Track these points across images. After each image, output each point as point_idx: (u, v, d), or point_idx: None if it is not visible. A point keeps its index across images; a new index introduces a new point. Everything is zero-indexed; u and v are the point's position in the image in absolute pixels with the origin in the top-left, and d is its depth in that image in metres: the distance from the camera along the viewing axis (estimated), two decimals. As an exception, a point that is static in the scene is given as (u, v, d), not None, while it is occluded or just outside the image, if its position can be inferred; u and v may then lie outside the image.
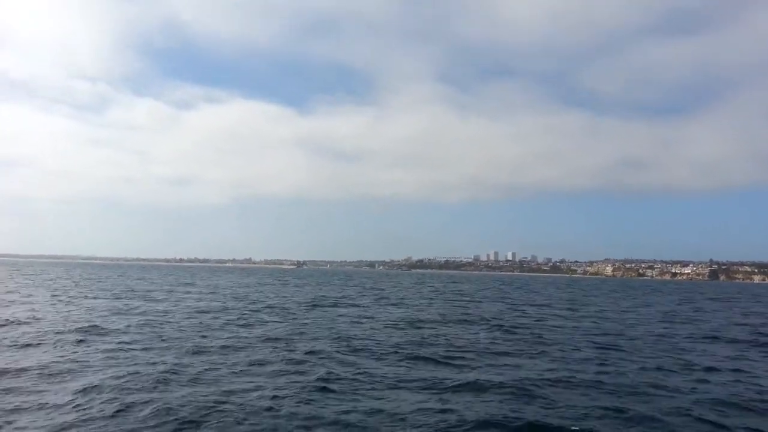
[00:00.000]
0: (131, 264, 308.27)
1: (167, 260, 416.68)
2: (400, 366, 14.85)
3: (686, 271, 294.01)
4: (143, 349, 16.33)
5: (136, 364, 14.17)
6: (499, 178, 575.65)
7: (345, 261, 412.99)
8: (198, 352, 16.20)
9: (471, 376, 13.56)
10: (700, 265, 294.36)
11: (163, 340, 18.33)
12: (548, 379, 13.24)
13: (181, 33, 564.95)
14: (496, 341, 19.94)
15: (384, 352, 17.03)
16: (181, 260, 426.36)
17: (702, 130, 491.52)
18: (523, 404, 11.11)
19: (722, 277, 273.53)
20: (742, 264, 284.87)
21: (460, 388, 12.36)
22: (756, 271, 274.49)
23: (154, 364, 14.18)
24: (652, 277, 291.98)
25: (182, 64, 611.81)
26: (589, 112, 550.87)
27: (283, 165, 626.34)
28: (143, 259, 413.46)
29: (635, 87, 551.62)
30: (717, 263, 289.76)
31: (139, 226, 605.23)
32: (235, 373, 13.45)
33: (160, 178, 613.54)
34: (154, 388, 11.74)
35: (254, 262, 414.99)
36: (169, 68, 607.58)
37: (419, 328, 23.81)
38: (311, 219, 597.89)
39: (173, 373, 13.11)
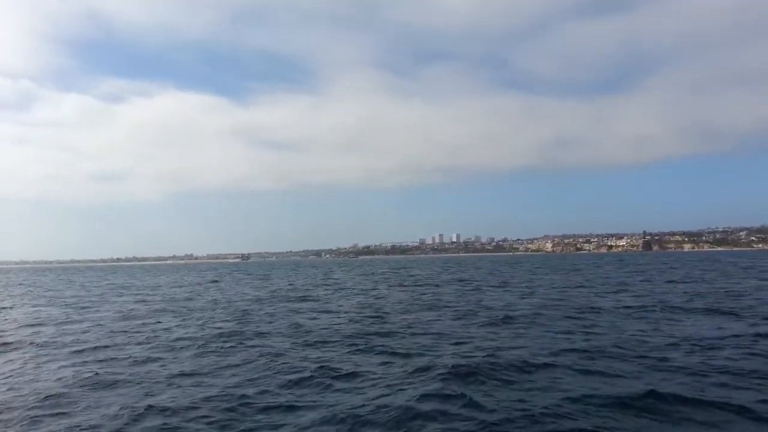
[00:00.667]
0: (65, 267, 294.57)
1: (103, 260, 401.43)
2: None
3: (621, 243, 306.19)
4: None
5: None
6: (440, 161, 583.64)
7: (291, 251, 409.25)
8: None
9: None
10: (633, 237, 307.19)
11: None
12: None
13: (106, 25, 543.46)
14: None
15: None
16: (118, 260, 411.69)
17: (631, 107, 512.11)
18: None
19: (655, 248, 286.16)
20: (673, 234, 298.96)
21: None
22: (686, 240, 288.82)
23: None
24: (589, 251, 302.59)
25: (109, 57, 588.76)
26: (524, 92, 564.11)
27: (221, 157, 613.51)
28: (78, 261, 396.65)
29: (567, 67, 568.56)
30: (650, 234, 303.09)
31: (72, 226, 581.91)
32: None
33: (91, 175, 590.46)
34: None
35: (196, 258, 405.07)
36: (95, 62, 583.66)
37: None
38: (254, 211, 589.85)
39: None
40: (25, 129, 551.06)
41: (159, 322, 22.41)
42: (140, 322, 22.55)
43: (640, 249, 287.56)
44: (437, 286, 41.22)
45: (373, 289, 39.31)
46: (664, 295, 28.09)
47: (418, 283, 45.14)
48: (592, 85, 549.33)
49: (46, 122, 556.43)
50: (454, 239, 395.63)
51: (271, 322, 21.08)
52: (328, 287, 43.61)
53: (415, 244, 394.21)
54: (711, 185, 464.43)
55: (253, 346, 15.57)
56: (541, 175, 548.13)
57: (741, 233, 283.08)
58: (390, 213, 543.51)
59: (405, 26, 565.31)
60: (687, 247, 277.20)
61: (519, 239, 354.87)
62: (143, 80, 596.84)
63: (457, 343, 15.00)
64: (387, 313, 23.27)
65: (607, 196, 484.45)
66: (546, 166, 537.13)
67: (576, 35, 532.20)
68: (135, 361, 14.14)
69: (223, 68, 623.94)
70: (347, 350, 14.60)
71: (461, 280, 47.94)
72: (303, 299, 32.09)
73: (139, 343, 16.86)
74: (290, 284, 49.96)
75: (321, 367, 12.32)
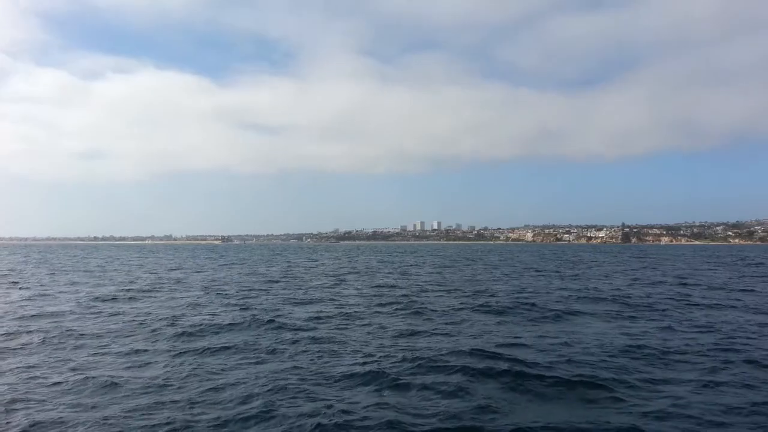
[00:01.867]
0: (40, 244, 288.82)
1: (80, 239, 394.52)
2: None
3: (600, 235, 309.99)
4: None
5: None
6: (423, 150, 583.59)
7: (271, 235, 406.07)
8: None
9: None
10: (612, 229, 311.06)
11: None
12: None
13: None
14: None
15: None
16: (95, 239, 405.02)
17: (613, 102, 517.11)
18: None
19: (633, 240, 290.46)
20: (651, 227, 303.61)
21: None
22: (664, 233, 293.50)
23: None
24: (569, 241, 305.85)
25: (88, 32, 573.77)
26: (508, 84, 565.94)
27: (202, 137, 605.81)
28: (54, 239, 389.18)
29: (552, 60, 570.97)
30: (628, 227, 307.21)
31: (49, 204, 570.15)
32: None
33: (69, 152, 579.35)
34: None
35: (175, 239, 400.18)
36: (73, 36, 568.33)
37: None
38: (235, 193, 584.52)
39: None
40: (0, 104, 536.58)
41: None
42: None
43: (619, 241, 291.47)
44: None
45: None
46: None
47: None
48: (576, 79, 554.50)
49: (23, 98, 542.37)
50: (435, 227, 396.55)
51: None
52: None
53: (397, 230, 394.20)
54: (690, 180, 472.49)
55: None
56: (523, 166, 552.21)
57: (718, 228, 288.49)
58: (371, 199, 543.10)
59: (392, 14, 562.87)
60: (665, 240, 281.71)
61: (500, 228, 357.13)
62: (122, 57, 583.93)
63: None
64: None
65: (587, 188, 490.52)
66: (528, 157, 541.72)
67: (563, 29, 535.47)
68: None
69: (205, 48, 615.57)
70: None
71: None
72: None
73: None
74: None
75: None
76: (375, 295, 25.48)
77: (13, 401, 9.52)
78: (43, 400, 9.61)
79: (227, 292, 27.04)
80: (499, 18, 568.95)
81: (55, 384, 10.59)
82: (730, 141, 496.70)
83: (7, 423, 8.53)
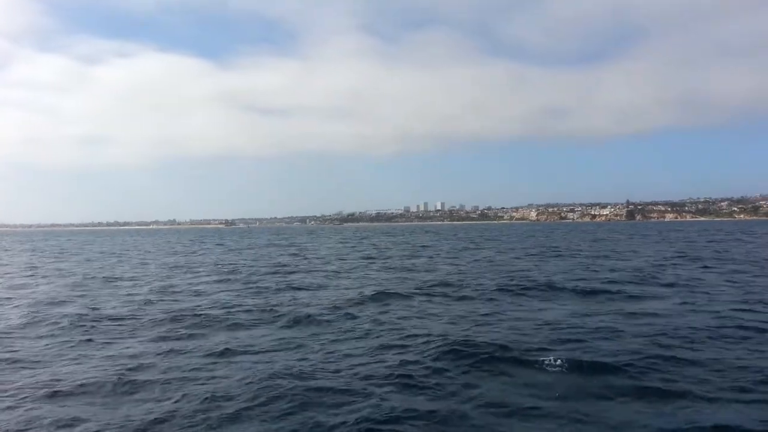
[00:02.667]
0: (45, 231, 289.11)
1: (84, 225, 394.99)
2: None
3: (605, 213, 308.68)
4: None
5: None
6: (427, 130, 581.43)
7: (275, 218, 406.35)
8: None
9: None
10: (617, 206, 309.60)
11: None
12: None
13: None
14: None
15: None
16: (99, 224, 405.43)
17: (618, 78, 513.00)
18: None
19: (638, 217, 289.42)
20: (656, 204, 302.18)
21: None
22: (669, 210, 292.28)
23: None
24: (573, 219, 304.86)
25: (89, 16, 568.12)
26: (513, 62, 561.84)
27: (205, 121, 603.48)
28: (59, 225, 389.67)
29: (555, 36, 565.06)
30: (633, 204, 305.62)
31: (53, 190, 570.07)
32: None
33: (72, 137, 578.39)
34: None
35: (179, 223, 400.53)
36: (75, 21, 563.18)
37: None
38: (237, 176, 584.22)
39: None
40: (1, 90, 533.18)
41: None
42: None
43: (624, 218, 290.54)
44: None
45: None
46: None
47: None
48: (580, 55, 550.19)
49: (25, 83, 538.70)
50: (439, 207, 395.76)
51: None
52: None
53: (400, 211, 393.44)
54: (694, 156, 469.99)
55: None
56: (527, 145, 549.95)
57: (722, 203, 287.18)
58: (374, 180, 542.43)
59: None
60: (669, 216, 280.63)
61: (503, 208, 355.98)
62: (123, 41, 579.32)
63: None
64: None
65: (591, 165, 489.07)
66: (531, 136, 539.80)
67: (565, 5, 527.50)
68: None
69: (207, 30, 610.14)
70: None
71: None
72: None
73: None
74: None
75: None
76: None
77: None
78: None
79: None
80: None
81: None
82: (736, 116, 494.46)
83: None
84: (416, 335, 12.58)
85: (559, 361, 10.13)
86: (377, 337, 12.78)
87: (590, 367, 9.84)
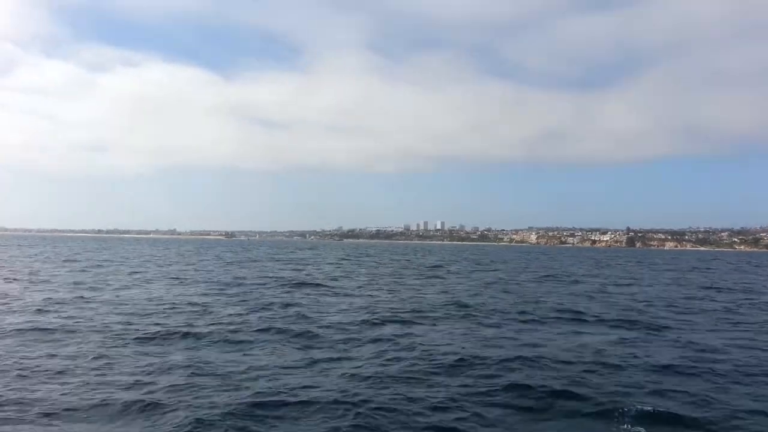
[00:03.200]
0: (45, 236, 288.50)
1: (84, 232, 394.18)
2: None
3: (605, 239, 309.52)
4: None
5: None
6: (428, 148, 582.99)
7: (275, 231, 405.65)
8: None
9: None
10: (617, 233, 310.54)
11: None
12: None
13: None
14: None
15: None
16: (99, 232, 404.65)
17: (619, 104, 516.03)
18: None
19: (638, 244, 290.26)
20: (656, 232, 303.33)
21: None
22: (669, 238, 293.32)
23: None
24: (573, 244, 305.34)
25: (96, 24, 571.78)
26: (514, 84, 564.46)
27: (207, 132, 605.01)
28: (59, 231, 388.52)
29: (558, 60, 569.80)
30: (633, 231, 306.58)
31: (54, 196, 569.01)
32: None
33: (75, 144, 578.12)
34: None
35: (179, 234, 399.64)
36: (83, 29, 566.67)
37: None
38: (238, 188, 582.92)
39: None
40: (6, 94, 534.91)
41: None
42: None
43: (624, 245, 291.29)
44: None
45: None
46: None
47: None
48: (582, 80, 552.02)
49: (29, 89, 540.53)
50: (438, 226, 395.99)
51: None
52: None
53: (400, 229, 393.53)
54: (694, 185, 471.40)
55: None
56: (527, 167, 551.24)
57: (723, 234, 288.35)
58: (374, 197, 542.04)
59: (401, 11, 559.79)
60: (670, 245, 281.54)
61: (503, 230, 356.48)
62: (129, 50, 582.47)
63: None
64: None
65: (591, 190, 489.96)
66: (532, 158, 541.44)
67: (568, 30, 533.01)
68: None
69: (213, 42, 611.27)
70: None
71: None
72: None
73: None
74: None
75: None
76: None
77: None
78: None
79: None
80: (506, 17, 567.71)
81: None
82: (735, 146, 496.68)
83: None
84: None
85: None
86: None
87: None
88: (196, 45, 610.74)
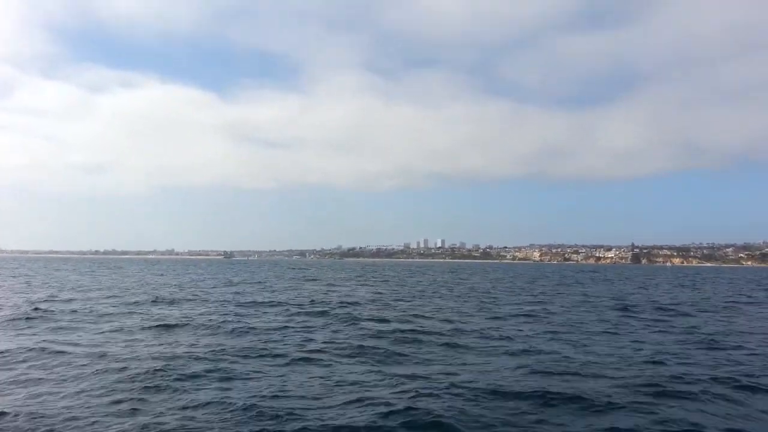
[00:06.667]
0: (42, 258, 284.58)
1: (82, 252, 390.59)
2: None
3: (609, 255, 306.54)
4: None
5: None
6: (427, 166, 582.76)
7: (274, 251, 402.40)
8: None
9: None
10: (622, 249, 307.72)
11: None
12: None
13: (92, 13, 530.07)
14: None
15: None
16: (97, 252, 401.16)
17: (618, 121, 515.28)
18: None
19: (644, 261, 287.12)
20: (660, 247, 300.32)
21: None
22: (674, 254, 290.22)
23: None
24: (577, 261, 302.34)
25: (94, 45, 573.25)
26: (511, 102, 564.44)
27: (205, 152, 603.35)
28: (57, 252, 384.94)
29: (556, 78, 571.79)
30: (638, 247, 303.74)
31: (52, 217, 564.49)
32: None
33: (73, 165, 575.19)
34: None
35: (177, 254, 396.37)
36: (80, 50, 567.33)
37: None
38: (237, 208, 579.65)
39: None
40: (5, 115, 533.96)
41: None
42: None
43: (629, 261, 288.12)
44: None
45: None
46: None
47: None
48: (580, 97, 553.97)
49: (28, 110, 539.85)
50: (439, 244, 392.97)
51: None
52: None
53: (401, 247, 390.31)
54: (696, 201, 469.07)
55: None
56: (528, 184, 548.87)
57: (728, 249, 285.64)
58: (373, 215, 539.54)
59: (398, 31, 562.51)
60: (676, 261, 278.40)
61: (505, 247, 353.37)
62: (127, 71, 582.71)
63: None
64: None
65: (594, 207, 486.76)
66: (533, 175, 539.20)
67: (566, 48, 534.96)
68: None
69: (209, 63, 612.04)
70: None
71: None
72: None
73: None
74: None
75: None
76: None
77: None
78: None
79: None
80: (502, 36, 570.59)
81: None
82: (736, 162, 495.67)
83: None
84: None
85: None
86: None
87: None
88: (194, 65, 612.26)
